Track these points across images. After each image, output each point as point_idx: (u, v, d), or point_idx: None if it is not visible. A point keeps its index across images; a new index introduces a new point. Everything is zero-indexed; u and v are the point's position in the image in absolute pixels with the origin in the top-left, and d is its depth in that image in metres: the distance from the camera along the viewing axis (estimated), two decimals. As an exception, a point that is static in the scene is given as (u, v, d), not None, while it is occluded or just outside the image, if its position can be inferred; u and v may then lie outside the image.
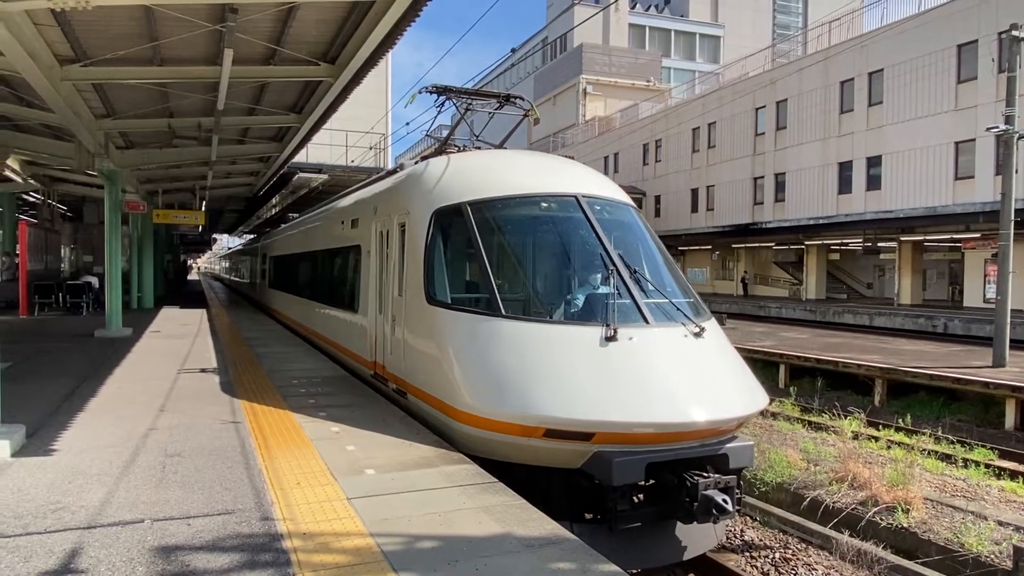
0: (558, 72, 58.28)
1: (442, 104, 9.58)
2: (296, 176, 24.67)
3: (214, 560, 3.87)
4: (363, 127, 31.51)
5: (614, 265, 6.57)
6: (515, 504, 4.87)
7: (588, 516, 6.26)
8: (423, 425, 7.02)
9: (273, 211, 35.15)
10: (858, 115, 31.03)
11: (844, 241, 33.61)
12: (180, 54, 10.56)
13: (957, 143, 26.90)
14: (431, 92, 9.25)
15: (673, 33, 67.47)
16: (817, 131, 33.19)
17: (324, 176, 24.57)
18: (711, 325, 6.73)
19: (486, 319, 6.40)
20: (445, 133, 10.02)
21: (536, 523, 4.54)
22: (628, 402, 5.62)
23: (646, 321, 6.26)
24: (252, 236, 44.04)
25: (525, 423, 5.72)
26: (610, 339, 5.96)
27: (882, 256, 36.69)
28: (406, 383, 7.58)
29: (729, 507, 5.54)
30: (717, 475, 5.74)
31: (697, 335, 6.35)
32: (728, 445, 6.03)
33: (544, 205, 7.30)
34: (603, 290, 6.53)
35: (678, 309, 6.61)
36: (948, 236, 27.34)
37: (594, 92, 54.89)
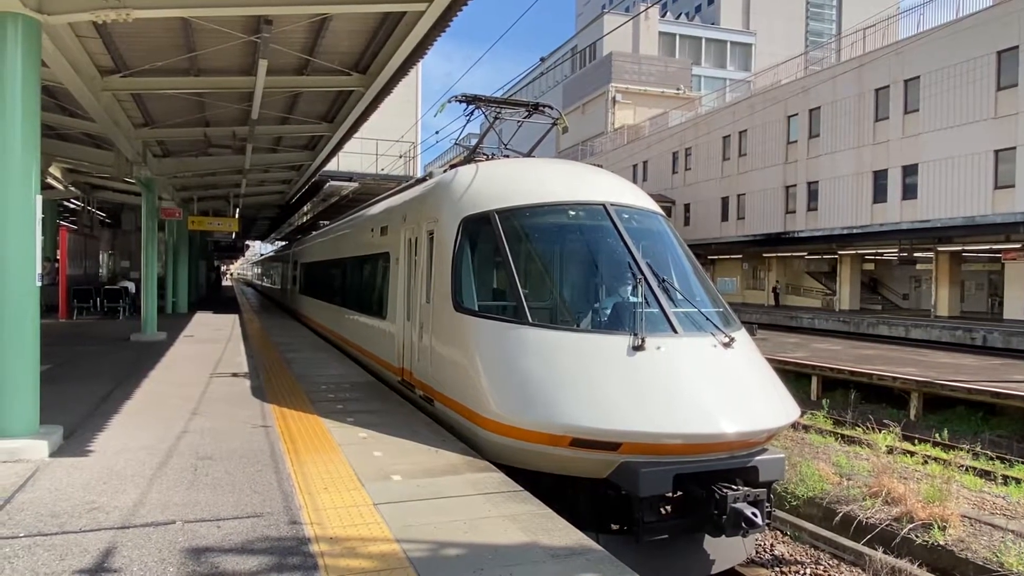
0: (587, 81, 58.31)
1: (471, 113, 9.60)
2: (327, 184, 24.99)
3: (243, 562, 3.91)
4: (393, 136, 31.83)
5: (642, 274, 6.50)
6: (541, 513, 4.85)
7: (614, 527, 6.19)
8: (450, 432, 7.02)
9: (304, 218, 35.64)
10: (893, 123, 30.50)
11: (879, 251, 32.99)
12: (216, 65, 10.78)
13: (997, 151, 26.27)
14: (460, 101, 9.31)
15: (704, 41, 67.12)
16: (851, 139, 32.68)
17: (354, 184, 24.86)
18: (741, 335, 6.61)
19: (513, 327, 6.39)
20: (474, 142, 10.07)
21: (562, 533, 4.51)
22: (656, 412, 5.55)
23: (674, 331, 6.19)
24: (284, 243, 44.68)
25: (551, 432, 5.69)
26: (638, 348, 5.90)
27: (918, 267, 35.92)
28: (433, 390, 7.59)
29: (759, 521, 5.42)
30: (747, 488, 5.62)
31: (727, 345, 6.25)
32: (758, 457, 5.92)
33: (572, 213, 7.26)
34: (631, 299, 6.45)
35: (707, 319, 6.53)
36: (987, 246, 26.67)
37: (623, 100, 54.78)
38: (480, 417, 6.31)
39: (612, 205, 7.18)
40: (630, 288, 6.57)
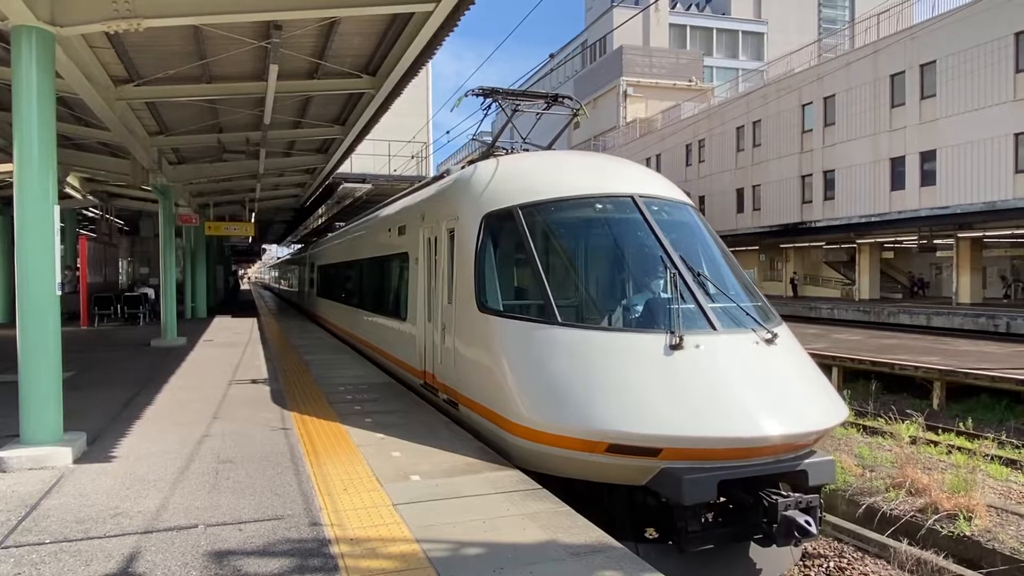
0: (598, 75, 58.07)
1: (488, 107, 9.35)
2: (341, 186, 25.14)
3: (265, 565, 3.94)
4: (405, 136, 31.91)
5: (676, 268, 6.21)
6: (560, 511, 4.84)
7: (652, 533, 6.00)
8: (476, 437, 6.80)
9: (319, 221, 35.87)
10: (910, 109, 30.10)
11: (898, 239, 32.60)
12: (228, 71, 10.86)
13: (1017, 135, 25.86)
14: (477, 95, 9.06)
15: (715, 31, 66.62)
16: (867, 126, 32.30)
17: (368, 186, 24.99)
18: (783, 331, 6.29)
19: (541, 327, 6.13)
20: (490, 138, 9.94)
21: (581, 530, 4.50)
22: (698, 415, 5.27)
23: (713, 327, 5.90)
24: (300, 246, 44.99)
25: (586, 437, 5.42)
26: (675, 347, 5.63)
27: (939, 254, 35.45)
28: (457, 393, 7.39)
29: (812, 529, 5.07)
30: (798, 494, 5.31)
31: (768, 342, 5.95)
32: (807, 460, 5.58)
33: (599, 207, 6.97)
34: (665, 295, 6.18)
35: (747, 314, 6.22)
36: (1009, 232, 26.26)
37: (635, 94, 54.50)
38: (508, 422, 6.06)
39: (641, 197, 6.88)
40: (664, 283, 6.29)
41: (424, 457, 6.12)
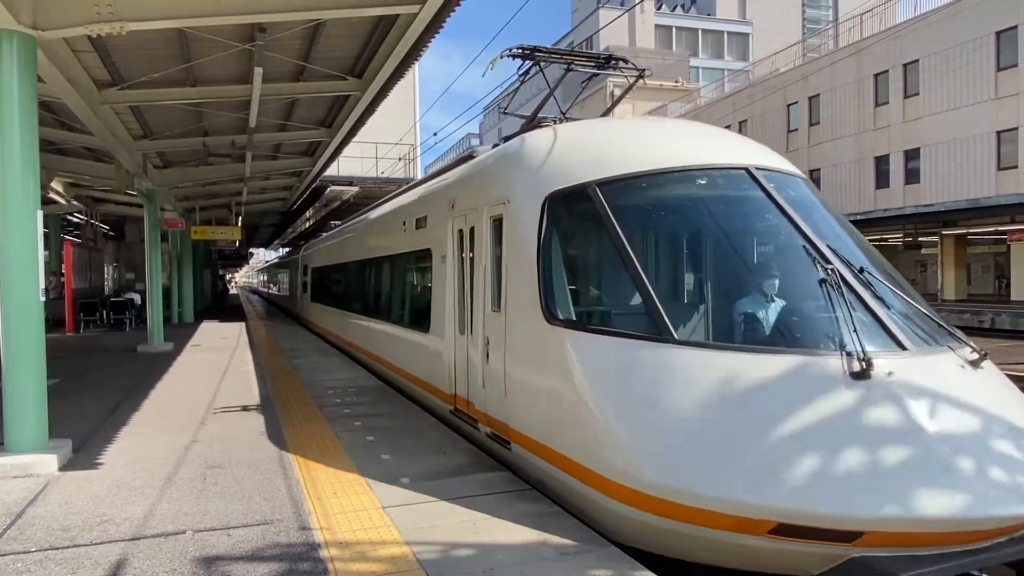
0: (585, 75, 58.18)
1: (527, 72, 7.86)
2: (328, 189, 25.10)
3: (253, 570, 3.92)
4: (392, 138, 31.87)
5: (828, 263, 4.57)
6: (550, 511, 4.84)
7: None
8: (539, 490, 5.29)
9: (307, 224, 35.76)
10: (894, 108, 30.41)
11: (883, 237, 32.87)
12: (213, 74, 10.81)
13: (999, 132, 26.18)
14: (514, 56, 7.54)
15: (700, 32, 67.05)
16: (851, 125, 32.60)
17: (355, 188, 24.96)
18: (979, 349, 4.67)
19: (651, 346, 4.45)
20: (498, 112, 9.10)
21: (571, 530, 4.50)
22: (913, 483, 3.67)
23: (901, 346, 4.22)
24: (288, 249, 44.68)
25: (742, 514, 3.79)
26: (859, 376, 4.00)
27: (924, 251, 35.79)
28: (510, 429, 5.72)
29: None
30: None
31: (975, 364, 4.39)
32: None
33: (702, 181, 5.33)
34: (821, 301, 4.50)
35: (939, 324, 4.65)
36: (992, 228, 26.56)
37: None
38: (606, 481, 4.38)
39: (757, 169, 5.28)
40: (819, 284, 4.57)
41: (413, 459, 6.10)
